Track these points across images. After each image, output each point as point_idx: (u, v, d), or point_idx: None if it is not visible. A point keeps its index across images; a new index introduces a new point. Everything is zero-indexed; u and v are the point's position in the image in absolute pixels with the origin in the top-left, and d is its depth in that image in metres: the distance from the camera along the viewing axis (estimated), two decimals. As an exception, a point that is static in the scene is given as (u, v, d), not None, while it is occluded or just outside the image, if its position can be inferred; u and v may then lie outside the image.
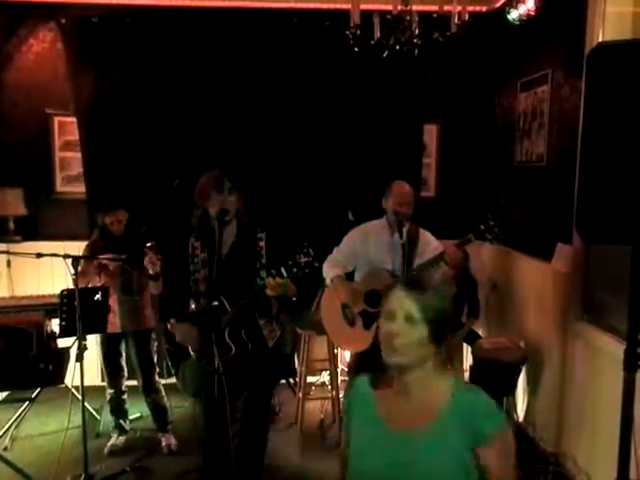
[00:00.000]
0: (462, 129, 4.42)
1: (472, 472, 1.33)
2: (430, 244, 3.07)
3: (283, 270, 2.23)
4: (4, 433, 3.44)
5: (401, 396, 1.39)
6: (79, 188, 4.22)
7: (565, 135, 3.20)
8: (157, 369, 3.51)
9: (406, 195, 3.07)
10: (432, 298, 1.33)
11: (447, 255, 2.79)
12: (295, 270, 2.22)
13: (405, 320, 1.32)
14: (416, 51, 3.04)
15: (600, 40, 2.61)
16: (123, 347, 3.47)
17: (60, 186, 4.31)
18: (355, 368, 3.25)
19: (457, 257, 2.79)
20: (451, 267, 2.79)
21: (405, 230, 3.02)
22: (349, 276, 3.21)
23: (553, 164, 3.38)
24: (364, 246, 3.13)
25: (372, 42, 3.07)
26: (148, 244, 3.08)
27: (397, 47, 3.00)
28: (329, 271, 3.12)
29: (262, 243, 2.49)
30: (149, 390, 3.46)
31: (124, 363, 3.50)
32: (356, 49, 3.06)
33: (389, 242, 3.10)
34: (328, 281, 3.16)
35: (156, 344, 3.47)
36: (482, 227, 2.78)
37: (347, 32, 3.03)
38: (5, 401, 3.80)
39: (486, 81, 4.31)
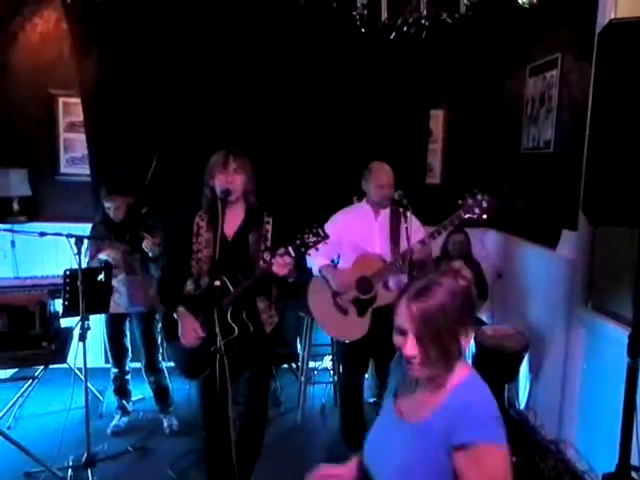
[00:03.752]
0: (469, 115, 4.37)
1: (448, 475, 1.21)
2: (412, 225, 2.98)
3: (291, 249, 2.21)
4: (8, 411, 3.47)
5: (412, 385, 1.35)
6: (84, 170, 4.21)
7: (573, 121, 3.16)
8: (160, 350, 3.53)
9: (389, 176, 3.00)
10: (441, 310, 1.20)
11: (415, 253, 2.81)
12: (303, 250, 2.21)
13: (416, 339, 1.23)
14: (424, 33, 3.01)
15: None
16: (127, 327, 3.48)
17: (64, 167, 4.30)
18: (345, 357, 3.23)
19: (424, 252, 2.84)
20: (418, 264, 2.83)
21: (386, 212, 3.01)
22: None
23: (560, 151, 3.34)
24: (350, 231, 3.06)
25: (379, 23, 3.04)
26: (143, 233, 3.13)
27: (405, 28, 2.96)
28: (316, 261, 3.03)
29: (268, 227, 2.47)
30: (152, 370, 3.48)
31: (129, 344, 3.52)
32: (363, 30, 3.03)
33: (374, 225, 3.06)
34: (316, 271, 3.10)
35: (160, 325, 3.47)
36: (470, 201, 2.76)
37: (354, 13, 3.00)
38: (9, 380, 3.83)
39: (494, 66, 4.25)
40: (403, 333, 1.24)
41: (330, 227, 3.10)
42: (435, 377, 1.26)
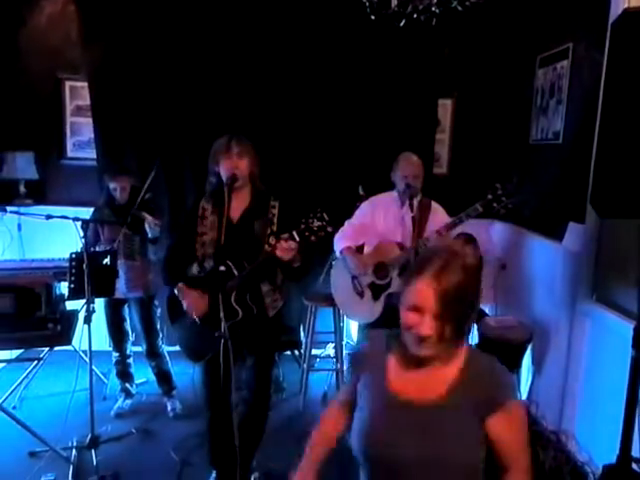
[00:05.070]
0: (477, 105, 4.34)
1: (482, 444, 1.28)
2: (438, 217, 3.05)
3: (295, 234, 2.21)
4: (13, 392, 3.51)
5: (414, 366, 1.33)
6: (90, 154, 4.21)
7: (583, 112, 3.13)
8: (160, 334, 3.55)
9: (414, 167, 3.05)
10: (462, 287, 1.21)
11: (430, 242, 2.81)
12: (307, 234, 2.20)
13: (434, 318, 1.22)
14: (434, 21, 2.96)
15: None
16: (127, 312, 3.50)
17: (71, 151, 4.30)
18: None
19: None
20: None
21: (416, 202, 3.01)
22: (359, 249, 3.22)
23: (569, 142, 3.32)
24: (373, 219, 3.15)
25: (389, 10, 3.00)
26: (143, 213, 3.14)
27: (414, 16, 2.92)
28: (340, 243, 3.15)
29: (275, 211, 2.47)
30: (153, 355, 3.51)
31: (129, 328, 3.54)
32: (372, 17, 2.99)
33: (398, 215, 3.10)
34: (338, 253, 3.19)
35: (159, 310, 3.49)
36: (489, 196, 2.76)
37: (364, -1, 2.96)
38: (15, 361, 3.86)
39: (504, 55, 4.21)
40: (419, 311, 1.23)
41: (357, 214, 3.21)
42: (446, 354, 1.28)
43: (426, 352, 1.27)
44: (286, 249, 2.22)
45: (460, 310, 1.22)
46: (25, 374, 3.60)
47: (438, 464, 1.28)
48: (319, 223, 2.19)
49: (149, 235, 3.21)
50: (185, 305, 2.45)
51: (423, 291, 1.22)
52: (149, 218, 3.19)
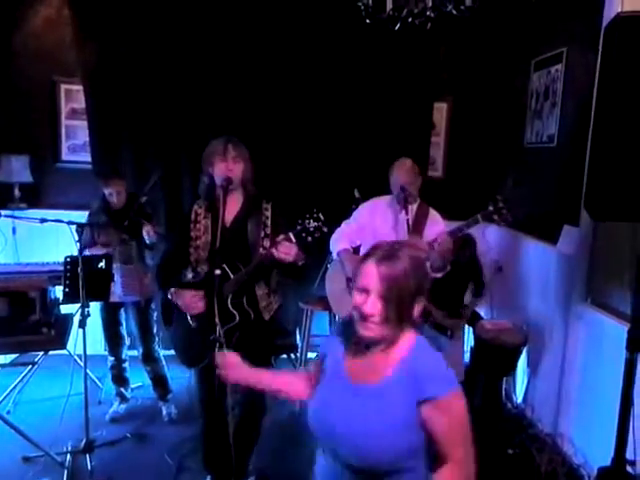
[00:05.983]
0: (473, 108, 4.35)
1: (417, 430, 1.33)
2: (436, 225, 3.05)
3: (292, 235, 2.20)
4: (7, 396, 3.49)
5: (363, 350, 1.42)
6: (85, 157, 4.20)
7: (577, 116, 3.15)
8: (156, 338, 3.53)
9: (408, 173, 3.05)
10: (404, 274, 1.31)
11: (437, 244, 2.80)
12: (304, 235, 2.19)
13: (378, 298, 1.32)
14: (429, 25, 2.97)
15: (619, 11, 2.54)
16: (123, 316, 3.49)
17: (66, 155, 4.29)
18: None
19: (447, 248, 2.80)
20: (439, 256, 2.79)
21: (413, 207, 3.02)
22: (356, 250, 3.23)
23: (564, 145, 3.33)
24: (371, 221, 3.15)
25: (384, 14, 3.01)
26: (142, 220, 3.13)
27: (409, 20, 2.93)
28: (337, 244, 3.15)
29: (268, 213, 2.46)
30: (148, 359, 3.50)
31: (124, 332, 3.52)
32: (368, 21, 3.00)
33: (394, 219, 3.11)
34: (335, 255, 3.19)
35: (155, 314, 3.48)
36: (490, 208, 2.76)
37: (359, 3, 2.97)
38: (9, 365, 3.84)
39: (499, 59, 4.23)
40: (366, 292, 1.33)
41: (356, 214, 3.23)
42: (387, 337, 1.36)
43: (369, 333, 1.35)
44: (288, 248, 2.21)
45: (403, 294, 1.31)
46: (19, 378, 3.58)
47: (366, 443, 1.34)
48: (315, 224, 2.19)
49: (147, 241, 3.19)
50: (181, 306, 2.44)
51: (369, 272, 1.33)
52: (148, 226, 3.18)
